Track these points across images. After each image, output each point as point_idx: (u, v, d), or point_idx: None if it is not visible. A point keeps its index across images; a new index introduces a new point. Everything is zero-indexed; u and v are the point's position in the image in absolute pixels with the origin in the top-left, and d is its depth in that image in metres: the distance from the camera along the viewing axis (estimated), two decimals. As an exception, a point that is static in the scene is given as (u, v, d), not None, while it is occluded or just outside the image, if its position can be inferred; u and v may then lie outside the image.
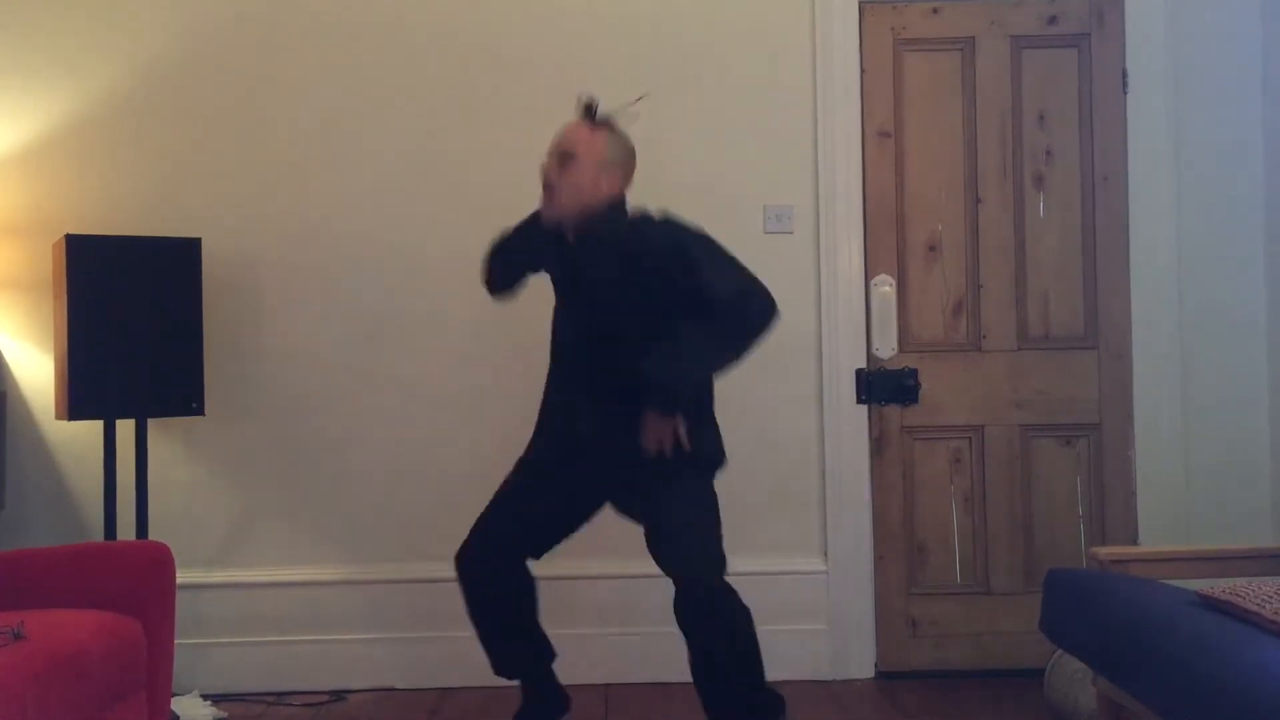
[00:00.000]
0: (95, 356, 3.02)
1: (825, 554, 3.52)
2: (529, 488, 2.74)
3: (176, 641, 2.62)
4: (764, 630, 2.61)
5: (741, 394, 3.17)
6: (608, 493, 2.73)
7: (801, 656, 3.42)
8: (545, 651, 2.79)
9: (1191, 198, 3.55)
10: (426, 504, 3.46)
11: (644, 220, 2.67)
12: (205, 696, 3.30)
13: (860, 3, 3.55)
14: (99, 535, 3.26)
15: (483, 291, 2.86)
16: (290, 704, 3.34)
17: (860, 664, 3.51)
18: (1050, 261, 3.57)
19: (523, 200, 2.80)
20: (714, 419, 2.71)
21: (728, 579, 2.56)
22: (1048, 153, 3.57)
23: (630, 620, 3.42)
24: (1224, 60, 3.56)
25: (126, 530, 3.23)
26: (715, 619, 2.51)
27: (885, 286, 3.56)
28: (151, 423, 3.30)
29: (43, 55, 3.49)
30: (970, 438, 3.56)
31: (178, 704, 3.10)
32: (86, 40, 3.50)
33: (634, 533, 2.67)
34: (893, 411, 3.55)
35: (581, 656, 3.36)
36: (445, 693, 3.38)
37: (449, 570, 2.75)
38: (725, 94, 3.54)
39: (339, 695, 3.39)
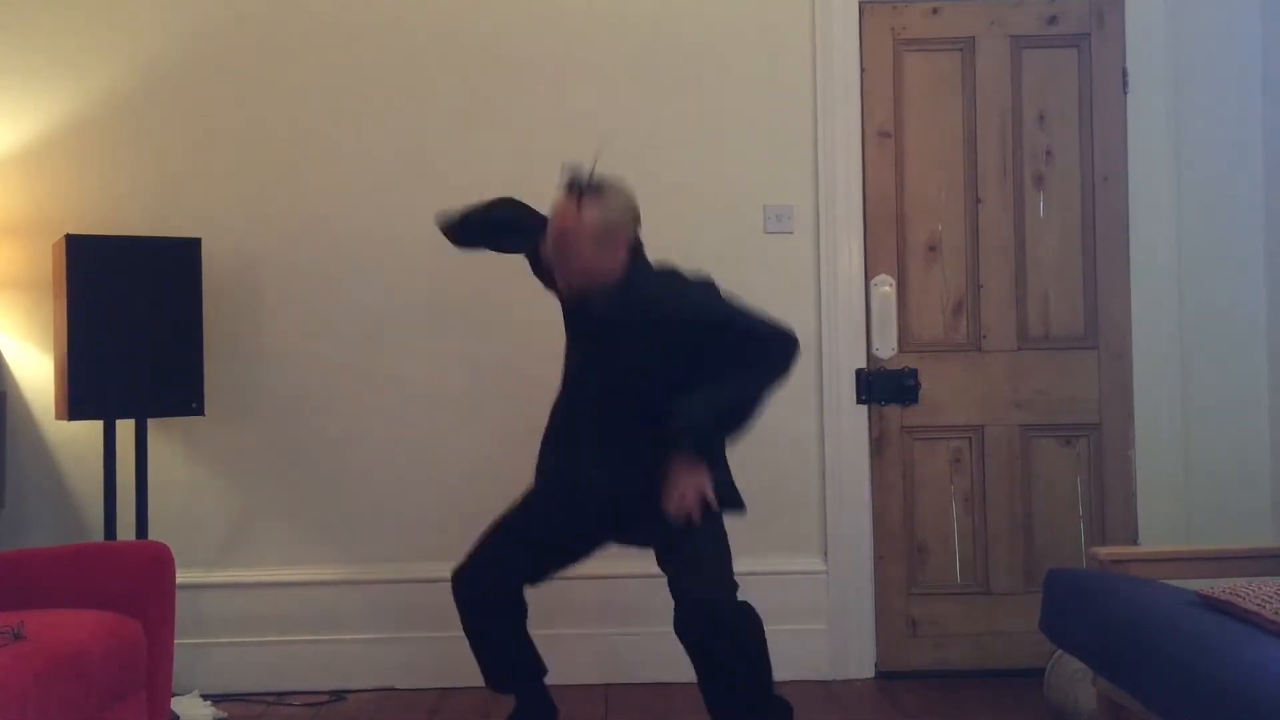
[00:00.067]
0: (95, 356, 3.02)
1: (825, 554, 3.52)
2: (530, 521, 2.73)
3: (176, 641, 2.63)
4: (765, 631, 2.61)
5: (741, 394, 3.17)
6: (613, 535, 2.75)
7: (801, 656, 3.42)
8: (536, 668, 2.80)
9: (1191, 198, 3.55)
10: (426, 504, 3.47)
11: (660, 280, 2.62)
12: (205, 696, 3.30)
13: (860, 3, 3.55)
14: (99, 535, 3.26)
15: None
16: (290, 704, 3.33)
17: (860, 664, 3.51)
18: (1050, 261, 3.57)
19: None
20: (728, 465, 2.70)
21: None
22: (1048, 153, 3.57)
23: (630, 620, 3.42)
24: (1224, 60, 3.56)
25: (126, 530, 3.23)
26: (730, 635, 2.51)
27: (885, 286, 3.56)
28: (151, 423, 3.30)
29: (43, 55, 3.49)
30: (970, 438, 3.56)
31: (178, 704, 3.10)
32: (86, 40, 3.50)
33: (634, 533, 2.67)
34: (893, 411, 3.55)
35: (581, 656, 3.37)
36: (445, 693, 3.38)
37: (448, 571, 2.75)
38: (725, 94, 3.54)
39: (339, 695, 3.39)
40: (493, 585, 2.70)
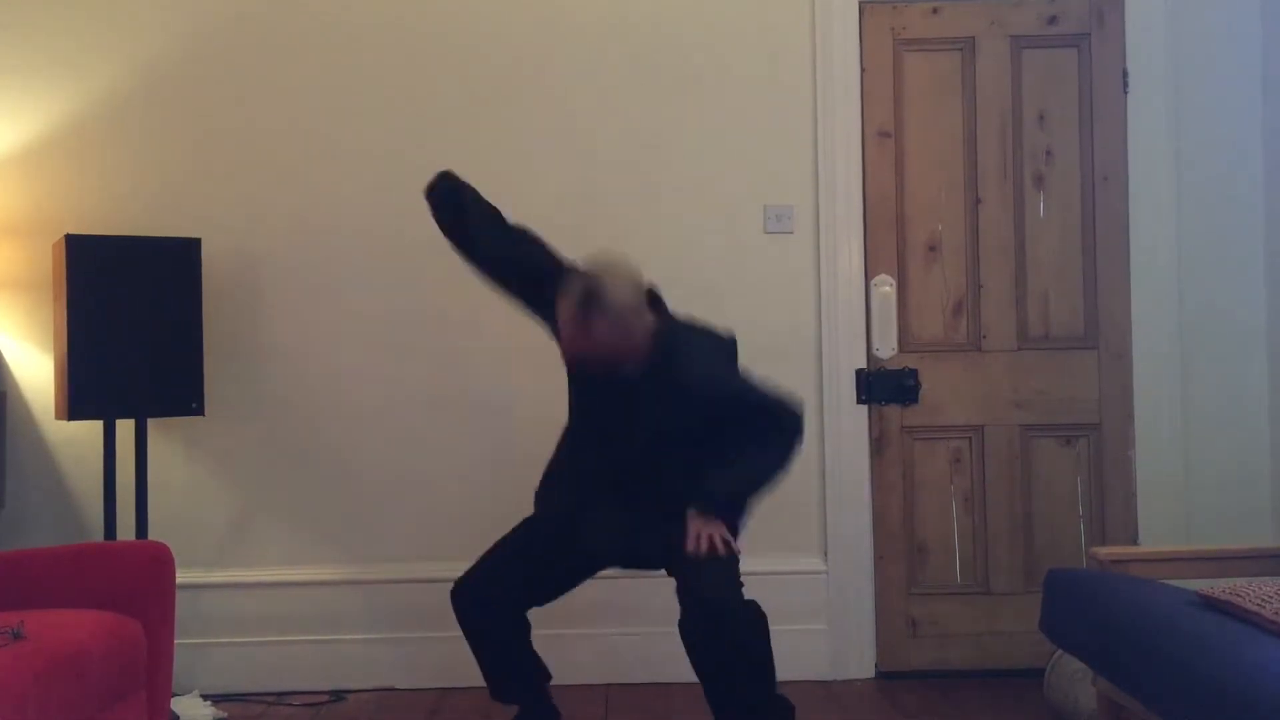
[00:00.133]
0: (95, 356, 3.02)
1: (825, 554, 3.52)
2: (532, 542, 2.73)
3: (176, 641, 2.63)
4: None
5: (741, 394, 3.17)
6: (619, 565, 2.79)
7: (801, 656, 3.41)
8: (540, 676, 2.80)
9: (1191, 198, 3.55)
10: (426, 504, 3.46)
11: (680, 348, 2.63)
12: (205, 696, 3.30)
13: (860, 3, 3.55)
14: (99, 535, 3.26)
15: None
16: (290, 704, 3.33)
17: (860, 664, 3.51)
18: (1050, 261, 3.57)
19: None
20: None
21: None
22: (1048, 153, 3.57)
23: (630, 620, 3.42)
24: (1224, 60, 3.56)
25: (126, 530, 3.23)
26: (734, 636, 2.50)
27: (885, 286, 3.56)
28: (151, 423, 3.30)
29: (43, 55, 3.49)
30: (970, 438, 3.56)
31: (178, 704, 3.10)
32: (86, 40, 3.50)
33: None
34: (893, 411, 3.55)
35: (581, 656, 3.36)
36: (445, 693, 3.38)
37: (449, 571, 2.75)
38: (725, 94, 3.54)
39: (339, 695, 3.39)
40: (491, 606, 2.70)
